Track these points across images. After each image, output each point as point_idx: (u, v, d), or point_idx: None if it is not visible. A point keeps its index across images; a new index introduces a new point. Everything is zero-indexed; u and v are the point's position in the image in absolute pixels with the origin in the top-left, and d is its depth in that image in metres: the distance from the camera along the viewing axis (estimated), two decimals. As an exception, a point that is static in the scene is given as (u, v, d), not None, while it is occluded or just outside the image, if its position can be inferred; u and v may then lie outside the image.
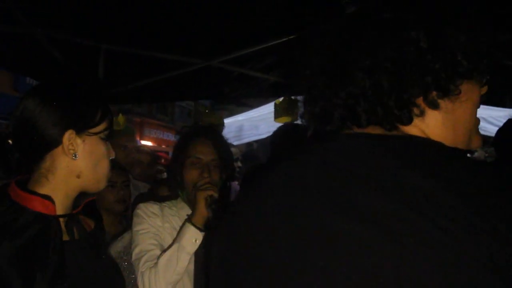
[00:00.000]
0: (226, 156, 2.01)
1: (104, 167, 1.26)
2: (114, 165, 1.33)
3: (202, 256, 1.84)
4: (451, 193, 0.55)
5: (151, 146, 15.43)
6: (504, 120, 2.71)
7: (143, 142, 14.28)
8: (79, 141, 1.21)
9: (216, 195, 1.82)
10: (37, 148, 1.21)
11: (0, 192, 1.24)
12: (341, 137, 0.71)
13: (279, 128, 3.00)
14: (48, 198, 1.19)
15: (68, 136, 1.19)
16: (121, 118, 3.39)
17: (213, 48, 3.13)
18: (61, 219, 1.22)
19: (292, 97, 3.32)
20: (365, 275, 0.54)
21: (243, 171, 4.29)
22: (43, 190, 1.21)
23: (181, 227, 1.82)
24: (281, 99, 3.39)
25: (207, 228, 1.81)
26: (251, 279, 0.64)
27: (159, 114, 18.64)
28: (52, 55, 3.10)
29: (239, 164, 6.61)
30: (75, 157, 1.21)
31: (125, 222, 2.64)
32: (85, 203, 1.32)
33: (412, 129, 0.69)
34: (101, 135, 1.24)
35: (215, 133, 2.08)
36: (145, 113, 17.06)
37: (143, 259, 1.78)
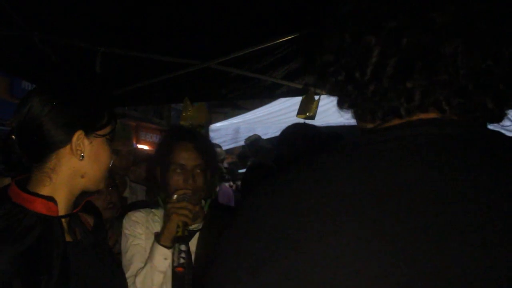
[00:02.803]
0: (211, 159, 1.99)
1: (106, 169, 1.28)
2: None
3: (203, 257, 1.85)
4: None
5: (147, 150, 15.37)
6: None
7: (140, 146, 14.24)
8: (86, 142, 1.22)
9: (190, 222, 1.84)
10: (43, 147, 1.21)
11: (1, 194, 1.23)
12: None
13: (289, 128, 2.99)
14: (51, 199, 1.19)
15: (78, 136, 1.21)
16: None
17: (210, 49, 3.13)
18: (63, 220, 1.22)
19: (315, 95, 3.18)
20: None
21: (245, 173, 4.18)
22: (45, 191, 1.20)
23: (152, 245, 1.86)
24: (305, 95, 3.24)
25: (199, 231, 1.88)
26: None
27: (154, 118, 18.58)
28: (49, 58, 3.09)
29: (225, 165, 6.57)
30: (82, 158, 1.21)
31: (117, 225, 2.59)
32: (85, 202, 1.32)
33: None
34: (108, 137, 1.26)
35: (198, 135, 2.05)
36: (140, 117, 16.99)
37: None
